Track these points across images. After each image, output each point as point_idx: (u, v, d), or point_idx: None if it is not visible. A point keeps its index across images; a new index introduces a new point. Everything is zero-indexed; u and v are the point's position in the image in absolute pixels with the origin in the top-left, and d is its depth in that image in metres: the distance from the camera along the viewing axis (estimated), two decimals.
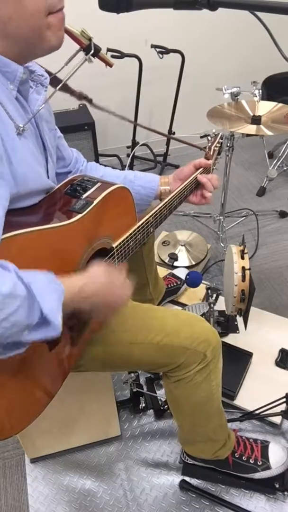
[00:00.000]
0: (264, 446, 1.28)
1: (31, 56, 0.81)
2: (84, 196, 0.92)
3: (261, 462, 1.25)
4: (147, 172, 1.25)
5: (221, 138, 1.39)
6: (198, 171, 1.24)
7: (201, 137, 1.44)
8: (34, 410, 0.90)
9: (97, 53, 0.86)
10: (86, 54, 0.85)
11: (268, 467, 1.25)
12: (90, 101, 1.03)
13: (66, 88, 0.97)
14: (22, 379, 0.83)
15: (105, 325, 1.02)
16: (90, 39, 0.85)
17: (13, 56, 0.76)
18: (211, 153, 1.34)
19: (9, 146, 0.74)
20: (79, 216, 0.86)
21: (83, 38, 0.84)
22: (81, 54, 0.86)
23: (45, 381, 0.91)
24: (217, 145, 1.36)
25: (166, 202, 1.13)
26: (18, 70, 0.77)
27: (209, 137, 1.40)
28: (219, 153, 1.38)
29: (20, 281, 0.66)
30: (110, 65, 0.91)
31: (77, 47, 0.86)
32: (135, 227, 1.04)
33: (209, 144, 1.36)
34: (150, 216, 1.08)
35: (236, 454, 1.27)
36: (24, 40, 0.75)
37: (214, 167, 1.36)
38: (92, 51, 0.85)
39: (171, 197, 1.15)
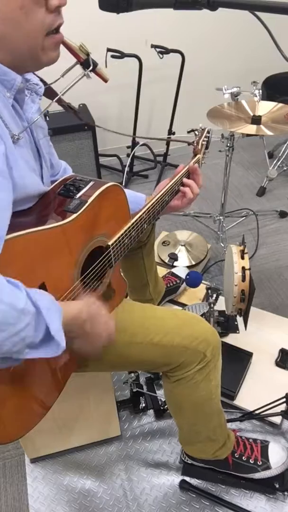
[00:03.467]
0: (264, 446, 1.28)
1: (23, 69, 0.82)
2: (78, 195, 0.92)
3: (261, 462, 1.25)
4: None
5: (208, 132, 1.41)
6: (185, 168, 1.26)
7: (188, 132, 1.45)
8: (30, 420, 0.90)
9: (94, 68, 0.87)
10: (84, 69, 0.86)
11: (268, 467, 1.25)
12: (76, 113, 1.03)
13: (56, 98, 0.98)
14: (19, 389, 0.83)
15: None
16: (88, 54, 0.85)
17: (8, 66, 0.77)
18: (199, 147, 1.36)
19: (9, 153, 0.74)
20: (74, 216, 0.87)
21: (81, 52, 0.85)
22: (78, 67, 0.87)
23: (42, 391, 0.91)
24: (205, 139, 1.39)
25: (158, 198, 1.15)
26: (16, 79, 0.78)
27: (196, 132, 1.42)
28: (206, 147, 1.40)
29: (29, 299, 0.67)
30: (105, 81, 0.92)
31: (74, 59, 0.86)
32: (129, 224, 1.04)
33: (197, 139, 1.39)
34: (143, 213, 1.09)
35: (236, 454, 1.27)
36: (18, 56, 0.76)
37: (203, 162, 1.38)
38: (91, 68, 0.86)
39: (162, 193, 1.16)
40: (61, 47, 0.82)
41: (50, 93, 0.93)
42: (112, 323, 0.88)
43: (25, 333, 0.66)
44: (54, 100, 0.91)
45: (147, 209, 1.11)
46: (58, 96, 0.90)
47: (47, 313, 0.69)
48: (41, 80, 0.92)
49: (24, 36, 0.73)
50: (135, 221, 1.06)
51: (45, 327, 0.69)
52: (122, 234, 1.02)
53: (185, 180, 1.25)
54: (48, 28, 0.75)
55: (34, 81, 0.89)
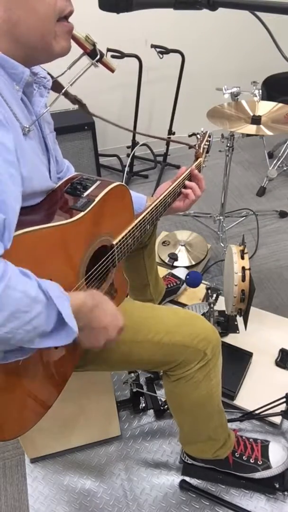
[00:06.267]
0: (264, 446, 1.28)
1: (34, 62, 0.82)
2: (85, 194, 0.93)
3: (261, 462, 1.25)
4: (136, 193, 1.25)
5: (209, 136, 1.41)
6: (188, 170, 1.26)
7: (189, 135, 1.45)
8: (29, 419, 0.90)
9: (101, 58, 0.87)
10: (90, 59, 0.86)
11: (269, 467, 1.25)
12: (83, 106, 1.03)
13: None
14: (19, 388, 0.83)
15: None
16: (94, 44, 0.86)
17: (18, 59, 0.77)
18: (201, 151, 1.37)
19: (18, 146, 0.74)
20: (82, 214, 0.87)
21: (87, 43, 0.85)
22: (84, 59, 0.86)
23: (42, 390, 0.91)
24: (206, 143, 1.39)
25: (161, 200, 1.15)
26: (24, 73, 0.78)
27: (198, 136, 1.42)
28: (207, 151, 1.41)
29: (40, 288, 0.68)
30: (112, 71, 0.92)
31: (80, 51, 0.86)
32: (133, 224, 1.05)
33: (198, 143, 1.39)
34: (146, 213, 1.10)
35: (236, 453, 1.27)
36: (30, 45, 0.76)
37: (204, 165, 1.38)
38: (98, 57, 0.86)
39: (165, 195, 1.17)
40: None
41: (57, 86, 0.93)
42: (120, 315, 0.86)
43: (37, 322, 0.67)
44: (62, 93, 0.91)
45: (150, 210, 1.11)
46: (66, 88, 0.90)
47: (58, 300, 0.69)
48: (49, 73, 0.92)
49: (37, 20, 0.74)
50: (139, 221, 1.07)
51: (56, 315, 0.70)
52: (126, 234, 1.03)
53: (187, 182, 1.26)
54: (60, 13, 0.75)
55: (42, 74, 0.89)
